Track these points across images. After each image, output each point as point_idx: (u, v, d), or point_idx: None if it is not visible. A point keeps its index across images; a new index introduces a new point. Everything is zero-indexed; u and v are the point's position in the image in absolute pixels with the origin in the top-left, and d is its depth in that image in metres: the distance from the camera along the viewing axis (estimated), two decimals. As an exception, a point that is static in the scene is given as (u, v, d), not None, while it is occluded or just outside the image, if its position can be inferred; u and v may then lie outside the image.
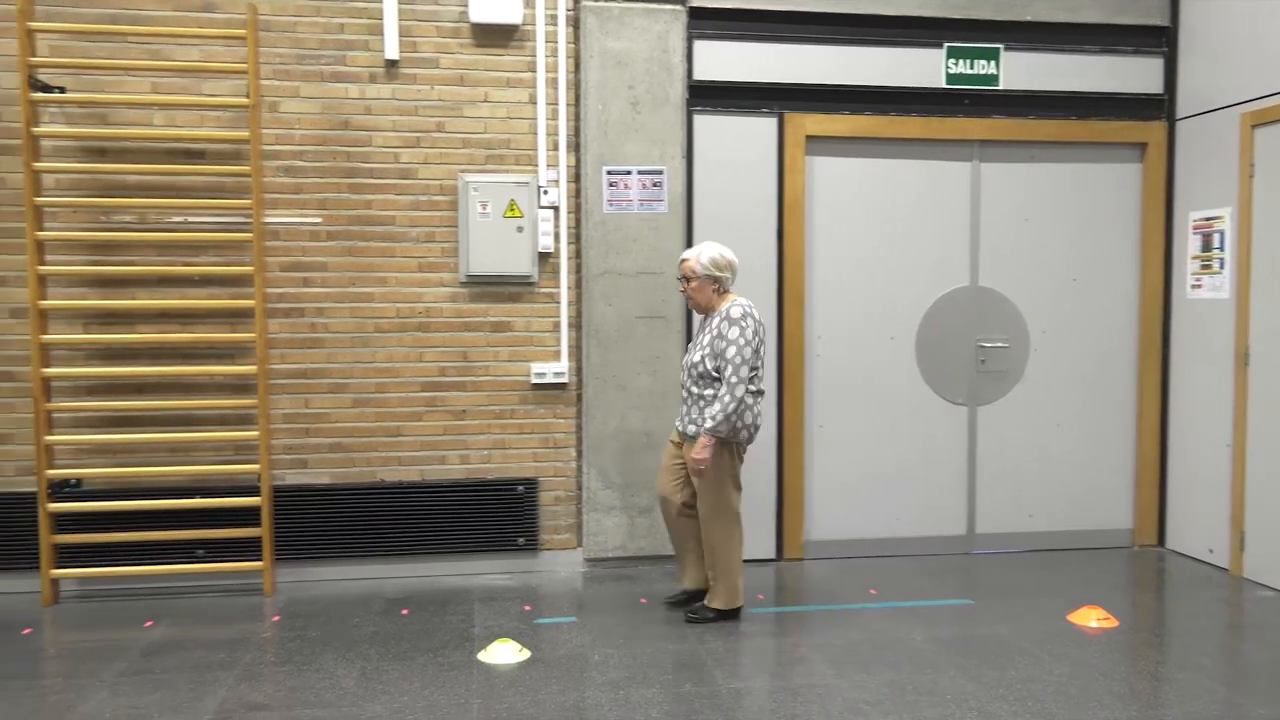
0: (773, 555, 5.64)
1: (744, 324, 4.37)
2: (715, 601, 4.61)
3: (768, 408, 5.58)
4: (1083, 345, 5.91)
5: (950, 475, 5.83)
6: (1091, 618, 4.63)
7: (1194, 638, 4.43)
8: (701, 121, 5.46)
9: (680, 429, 4.58)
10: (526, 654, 4.20)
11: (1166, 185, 5.87)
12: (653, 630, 4.51)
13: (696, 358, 4.46)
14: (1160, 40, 5.81)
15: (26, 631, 4.50)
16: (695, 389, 4.47)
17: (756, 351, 4.40)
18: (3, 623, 4.60)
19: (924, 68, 5.61)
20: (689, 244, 5.45)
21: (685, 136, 5.40)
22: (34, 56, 4.76)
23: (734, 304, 4.45)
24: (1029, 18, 5.64)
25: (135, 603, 4.90)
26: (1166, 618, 4.73)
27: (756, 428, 4.48)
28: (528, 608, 4.82)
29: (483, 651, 4.20)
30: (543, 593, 5.07)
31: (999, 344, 5.84)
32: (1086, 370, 5.92)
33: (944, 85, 5.64)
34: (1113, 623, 4.61)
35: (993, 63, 5.66)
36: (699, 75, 5.42)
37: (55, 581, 4.91)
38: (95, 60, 4.88)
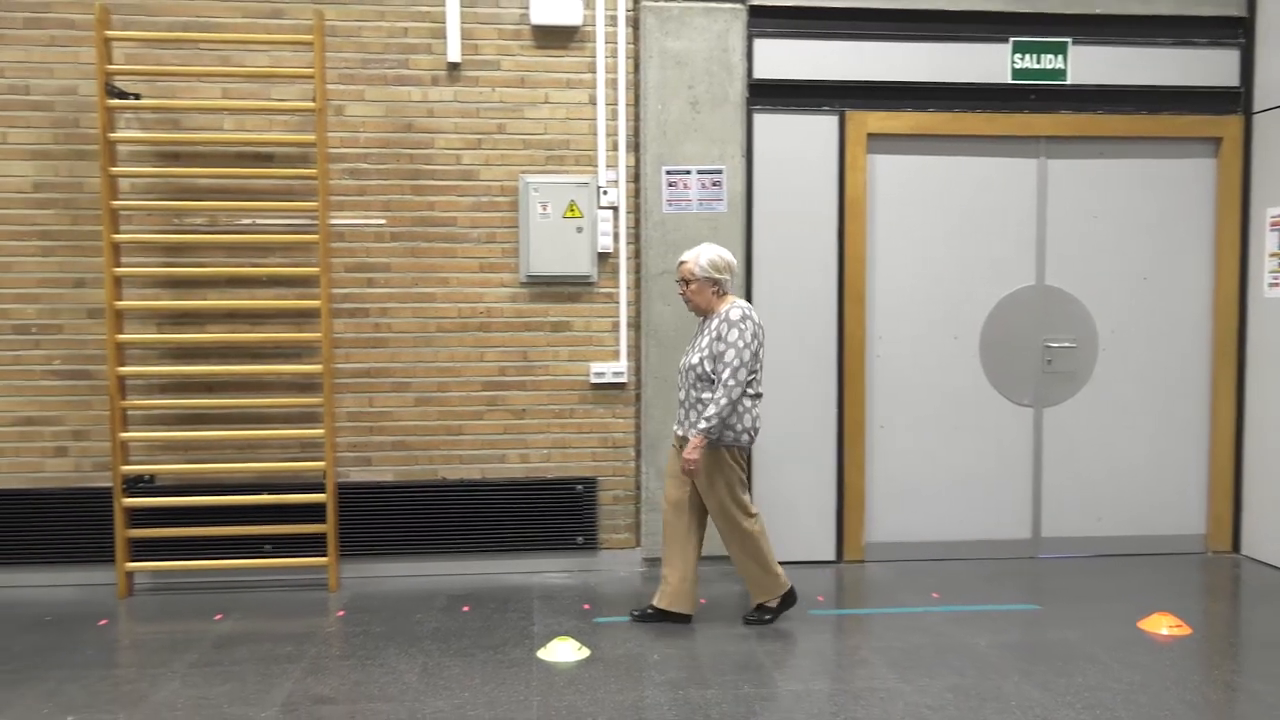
0: (833, 557, 5.59)
1: (743, 326, 4.33)
2: (764, 597, 4.59)
3: (826, 407, 5.53)
4: (1154, 346, 5.76)
5: (1015, 478, 5.72)
6: (1163, 625, 4.51)
7: (1272, 647, 4.29)
8: (761, 120, 5.43)
9: (679, 433, 4.52)
10: (586, 652, 4.21)
11: (1243, 181, 5.69)
12: (711, 631, 4.50)
13: (695, 360, 4.40)
14: (1237, 31, 5.64)
15: (102, 622, 4.63)
16: (693, 392, 4.41)
17: (755, 355, 4.36)
18: (80, 614, 4.74)
19: (989, 63, 5.52)
20: (749, 244, 5.43)
21: (745, 136, 5.37)
22: (111, 64, 4.90)
23: (733, 306, 4.40)
24: (1099, 10, 5.52)
25: (205, 596, 5.02)
26: (1242, 626, 4.59)
27: (756, 430, 4.45)
28: (587, 606, 4.84)
29: (542, 649, 4.23)
30: (602, 591, 5.08)
31: (1066, 344, 5.72)
32: (1158, 371, 5.77)
33: (1009, 81, 5.53)
34: (1185, 630, 4.48)
35: (1060, 57, 5.55)
36: (759, 74, 5.39)
37: (130, 574, 5.05)
38: (169, 67, 5.01)
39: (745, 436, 4.42)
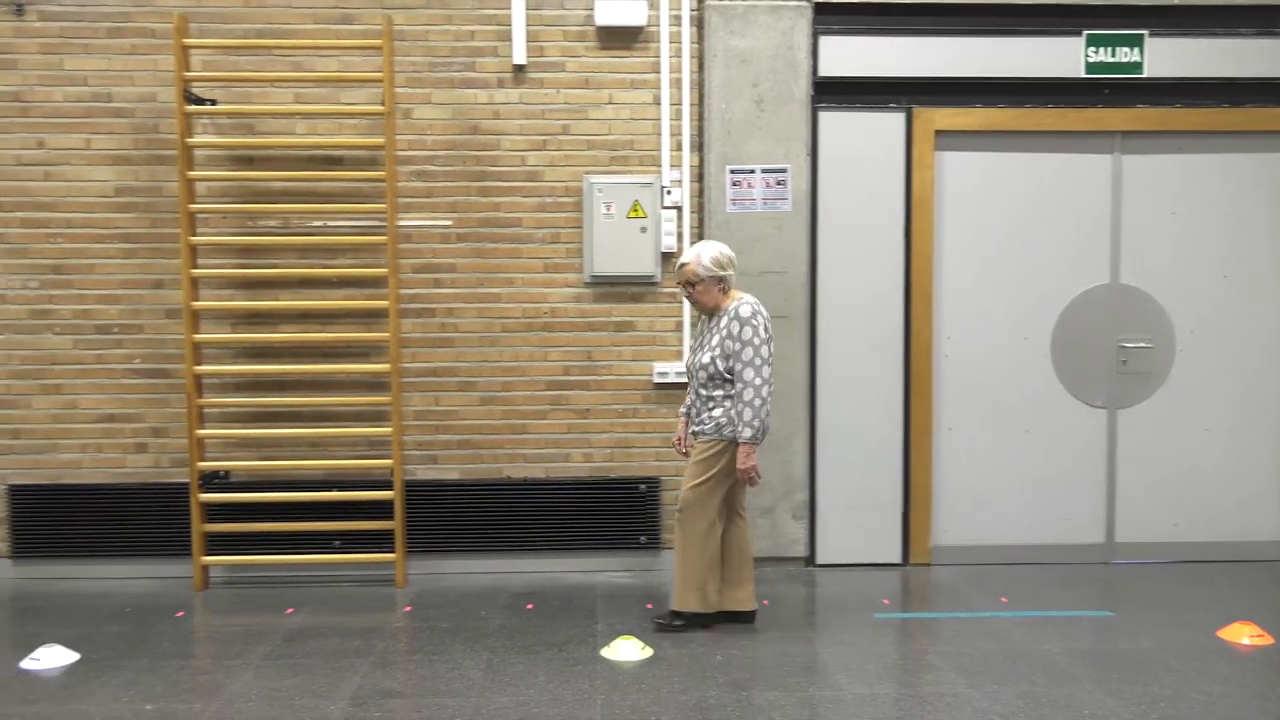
0: (898, 560, 5.52)
1: (755, 323, 4.25)
2: (687, 604, 4.42)
3: (892, 408, 5.47)
4: (1234, 346, 5.58)
5: (1088, 481, 5.59)
6: (1244, 634, 4.37)
7: (1360, 659, 4.14)
8: (827, 118, 5.38)
9: (692, 429, 4.46)
10: (649, 652, 4.22)
11: (1330, 175, 5.50)
12: (774, 632, 4.48)
13: (706, 359, 4.32)
14: (1323, 20, 5.45)
15: (179, 614, 4.77)
16: (704, 390, 4.34)
17: (771, 349, 4.29)
18: (158, 605, 4.88)
19: (1061, 57, 5.39)
20: (814, 243, 5.39)
21: (810, 134, 5.33)
22: (188, 71, 5.04)
23: (742, 302, 4.32)
24: (1176, 1, 5.36)
25: (277, 590, 5.14)
26: (1328, 637, 4.43)
27: (769, 428, 4.40)
28: (650, 606, 4.84)
29: (606, 648, 4.24)
30: (664, 591, 5.09)
31: (1142, 344, 5.57)
32: (1238, 372, 5.59)
33: (1083, 75, 5.41)
34: (1268, 640, 4.34)
35: (1136, 49, 5.41)
36: (824, 71, 5.34)
37: (205, 568, 5.19)
38: (243, 73, 5.13)
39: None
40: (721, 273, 4.32)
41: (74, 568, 5.28)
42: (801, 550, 5.43)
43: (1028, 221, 5.50)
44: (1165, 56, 5.42)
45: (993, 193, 5.49)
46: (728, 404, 4.30)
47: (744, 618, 4.55)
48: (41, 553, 5.27)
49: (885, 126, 5.40)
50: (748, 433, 4.22)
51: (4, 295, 5.22)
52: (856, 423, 5.46)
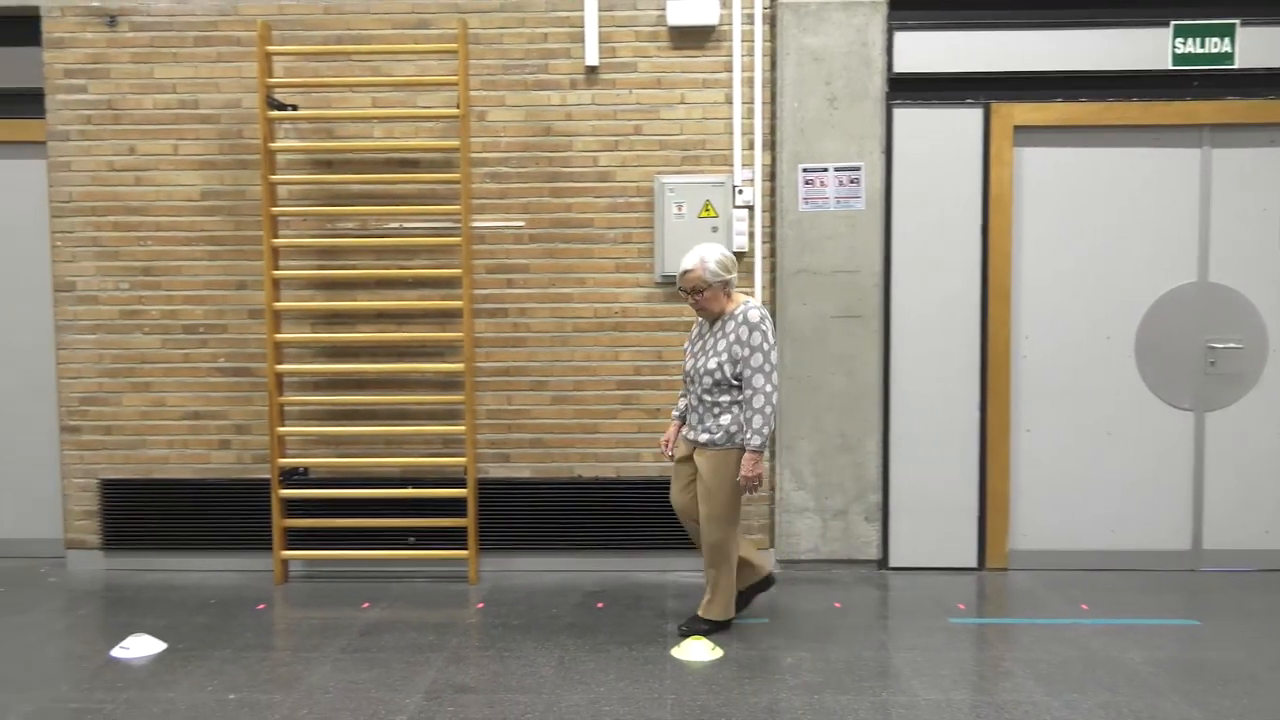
0: (974, 564, 5.42)
1: (764, 327, 4.19)
2: (713, 612, 4.42)
3: (968, 409, 5.37)
4: (1331, 347, 5.37)
5: (1173, 485, 5.42)
6: (1341, 647, 4.20)
7: None
8: (901, 115, 5.31)
9: (690, 438, 4.37)
10: (719, 653, 4.21)
11: None
12: (847, 636, 4.43)
13: (711, 365, 4.22)
14: None
15: (260, 607, 4.89)
16: (708, 397, 4.25)
17: (775, 353, 4.25)
18: (240, 598, 5.02)
19: (1147, 49, 5.24)
20: (888, 241, 5.32)
21: (884, 131, 5.26)
22: (271, 78, 5.17)
23: (749, 307, 4.24)
24: (1269, -11, 5.18)
25: (353, 584, 5.24)
26: None
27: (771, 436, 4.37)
28: (720, 606, 4.83)
29: (676, 648, 4.25)
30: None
31: (1232, 345, 5.38)
32: (1336, 374, 5.37)
33: (1169, 67, 5.24)
34: (1366, 654, 4.16)
35: (1227, 40, 5.22)
36: (899, 68, 5.27)
37: (285, 562, 5.32)
38: (323, 79, 5.25)
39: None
40: (727, 276, 4.26)
41: (161, 560, 5.46)
42: (874, 553, 5.37)
43: (1111, 218, 5.35)
44: (1257, 46, 5.22)
45: (1074, 189, 5.35)
46: (735, 410, 4.23)
47: (767, 583, 4.62)
48: (130, 545, 5.46)
49: (962, 122, 5.31)
50: (756, 440, 4.15)
51: (97, 296, 5.42)
52: (931, 424, 5.38)
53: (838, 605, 4.83)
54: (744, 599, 4.60)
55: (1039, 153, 5.35)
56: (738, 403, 4.23)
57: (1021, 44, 5.25)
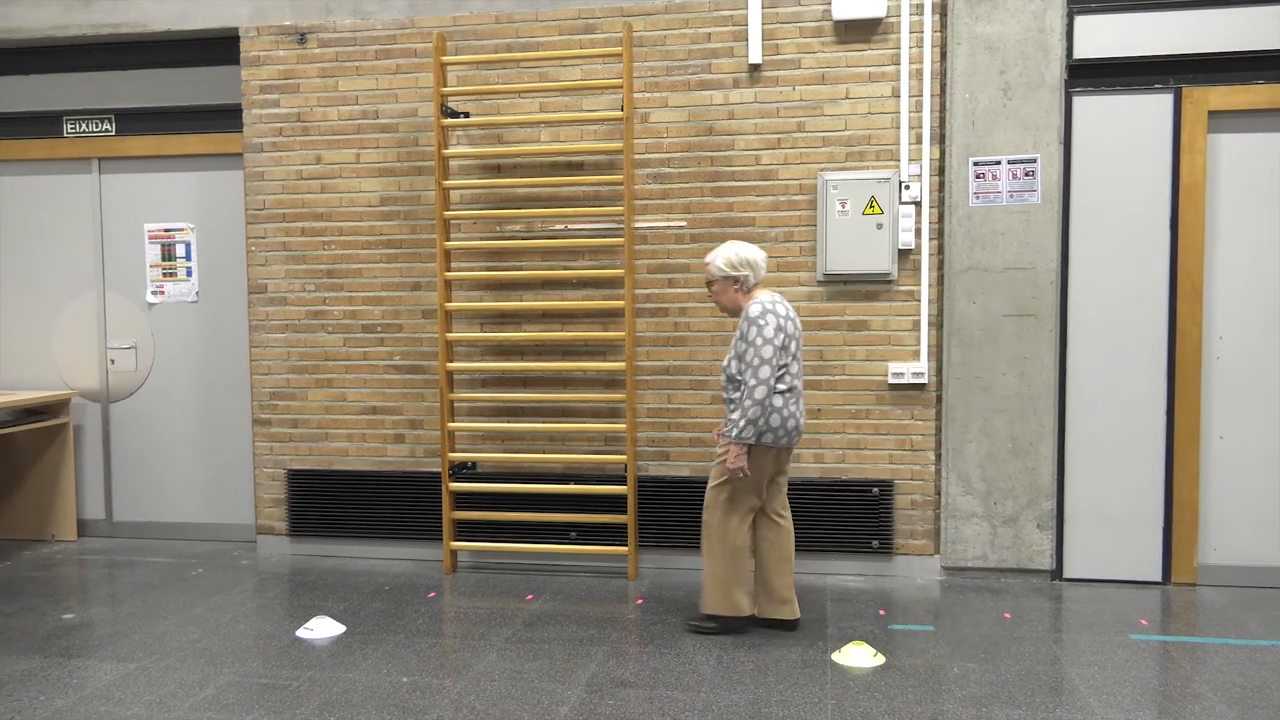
0: (1157, 578, 5.10)
1: (761, 322, 4.16)
2: (713, 606, 4.41)
3: (1153, 414, 5.05)
4: None
5: (1392, 501, 4.95)
6: None
7: None
8: (1081, 104, 5.05)
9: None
10: (881, 659, 4.11)
11: None
12: (1018, 648, 4.25)
13: (725, 362, 4.35)
14: None
15: (431, 595, 5.10)
16: (724, 393, 4.36)
17: (783, 348, 4.19)
18: (413, 585, 5.25)
19: (1362, 24, 4.81)
20: (1065, 237, 5.07)
21: (1062, 121, 5.02)
22: (445, 87, 5.39)
23: (754, 302, 4.26)
24: None
25: (518, 576, 5.39)
26: None
27: (793, 429, 4.26)
28: (881, 612, 4.72)
29: (837, 652, 4.17)
30: (897, 598, 4.94)
31: None
32: None
33: (1389, 42, 4.79)
34: None
35: None
36: (1079, 54, 5.01)
37: (454, 552, 5.53)
38: (493, 86, 5.42)
39: (776, 436, 4.25)
40: (734, 273, 4.31)
41: (340, 546, 5.77)
42: (1046, 563, 5.12)
43: (1319, 209, 4.94)
44: None
45: (1277, 178, 4.96)
46: None
47: (787, 626, 4.46)
48: (313, 531, 5.79)
49: (1150, 109, 5.00)
50: (733, 432, 4.17)
51: (286, 298, 5.78)
52: (1111, 429, 5.09)
53: (1007, 616, 4.63)
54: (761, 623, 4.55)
55: (1237, 139, 4.99)
56: None
57: (1216, 23, 4.91)
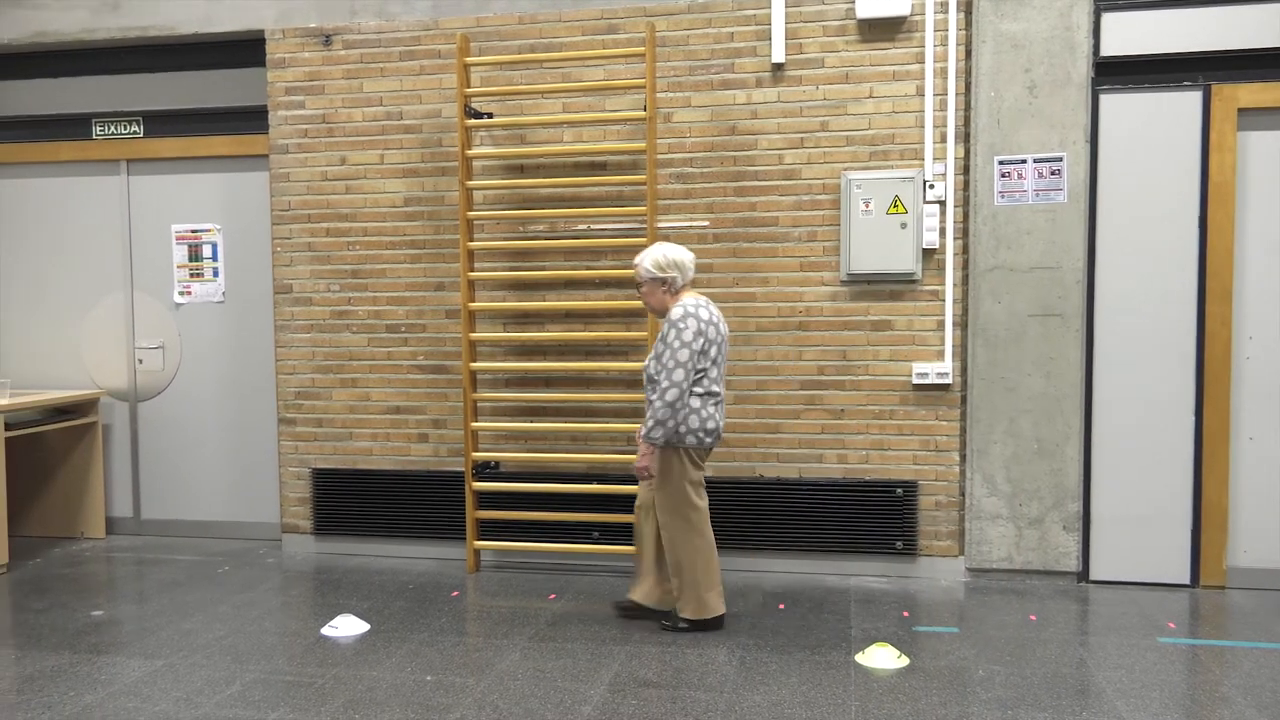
0: (1186, 580, 5.04)
1: (682, 325, 4.20)
2: (684, 611, 4.47)
3: (1181, 414, 5.00)
4: None
5: None
6: None
7: None
8: (1108, 101, 5.00)
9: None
10: (905, 661, 4.09)
11: None
12: (1044, 651, 4.21)
13: (646, 361, 4.43)
14: None
15: (454, 594, 5.12)
16: (646, 393, 4.39)
17: (702, 352, 4.23)
18: (436, 584, 5.27)
19: (1396, 19, 4.74)
20: (1092, 236, 5.03)
21: (1089, 119, 4.98)
22: (468, 88, 5.40)
23: (677, 305, 4.28)
24: None
25: (540, 576, 5.40)
26: None
27: (709, 433, 4.28)
28: (905, 614, 4.70)
29: (860, 654, 4.16)
30: (921, 600, 4.91)
31: None
32: None
33: None
34: None
35: None
36: (1106, 51, 4.97)
37: (477, 551, 5.55)
38: (517, 87, 5.43)
39: (696, 438, 4.28)
40: (662, 275, 4.35)
41: (365, 545, 5.80)
42: (1073, 564, 5.08)
43: (1351, 208, 4.87)
44: None
45: (1307, 176, 4.90)
46: None
47: (665, 615, 4.55)
48: (338, 530, 5.83)
49: (1178, 107, 4.95)
50: (643, 430, 4.25)
51: (311, 298, 5.82)
52: (1138, 430, 5.04)
53: (1033, 618, 4.60)
54: (640, 610, 4.62)
55: (1268, 137, 4.93)
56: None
57: (1246, 19, 4.85)
